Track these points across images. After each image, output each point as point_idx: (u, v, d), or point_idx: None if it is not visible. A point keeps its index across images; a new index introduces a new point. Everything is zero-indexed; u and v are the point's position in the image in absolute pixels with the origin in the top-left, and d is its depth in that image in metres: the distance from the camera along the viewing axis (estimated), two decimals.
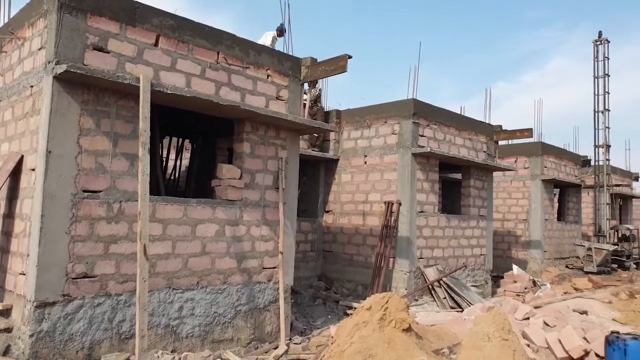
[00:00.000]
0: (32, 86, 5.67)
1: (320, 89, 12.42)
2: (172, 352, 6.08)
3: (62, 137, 5.30)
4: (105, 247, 5.61)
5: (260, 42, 7.80)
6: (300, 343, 7.13)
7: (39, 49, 5.58)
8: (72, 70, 5.05)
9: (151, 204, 5.88)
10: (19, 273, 5.47)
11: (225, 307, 6.70)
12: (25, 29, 6.04)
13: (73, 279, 5.36)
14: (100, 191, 5.59)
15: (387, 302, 5.76)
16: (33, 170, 5.40)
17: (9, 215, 5.94)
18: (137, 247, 5.35)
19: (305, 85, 11.00)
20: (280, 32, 12.43)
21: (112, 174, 5.68)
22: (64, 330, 5.28)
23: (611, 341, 5.89)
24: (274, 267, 7.27)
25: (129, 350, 5.68)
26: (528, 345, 7.04)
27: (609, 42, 16.99)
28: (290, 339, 7.19)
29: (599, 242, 16.51)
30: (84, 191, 5.46)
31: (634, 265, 17.05)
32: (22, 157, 5.73)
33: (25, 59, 5.96)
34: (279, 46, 12.25)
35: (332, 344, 6.17)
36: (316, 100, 12.23)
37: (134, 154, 5.76)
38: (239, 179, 6.90)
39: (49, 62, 5.26)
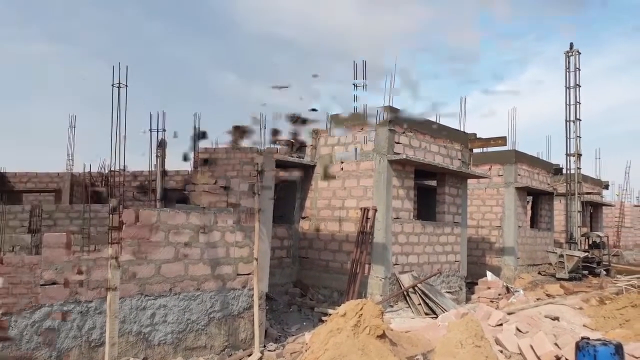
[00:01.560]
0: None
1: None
2: (143, 359, 5.97)
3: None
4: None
5: None
6: (274, 350, 7.08)
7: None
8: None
9: None
10: None
11: (199, 314, 6.62)
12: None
13: (41, 285, 5.22)
14: None
15: (361, 309, 5.77)
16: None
17: None
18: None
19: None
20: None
21: None
22: (30, 339, 5.14)
23: (581, 347, 5.99)
24: (249, 274, 7.21)
25: (99, 358, 5.55)
26: (501, 351, 7.12)
27: (580, 53, 17.38)
28: (264, 346, 7.13)
29: (570, 249, 16.81)
30: None
31: (604, 272, 17.40)
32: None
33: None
34: None
35: (306, 351, 6.15)
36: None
37: None
38: (214, 184, 6.84)
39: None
